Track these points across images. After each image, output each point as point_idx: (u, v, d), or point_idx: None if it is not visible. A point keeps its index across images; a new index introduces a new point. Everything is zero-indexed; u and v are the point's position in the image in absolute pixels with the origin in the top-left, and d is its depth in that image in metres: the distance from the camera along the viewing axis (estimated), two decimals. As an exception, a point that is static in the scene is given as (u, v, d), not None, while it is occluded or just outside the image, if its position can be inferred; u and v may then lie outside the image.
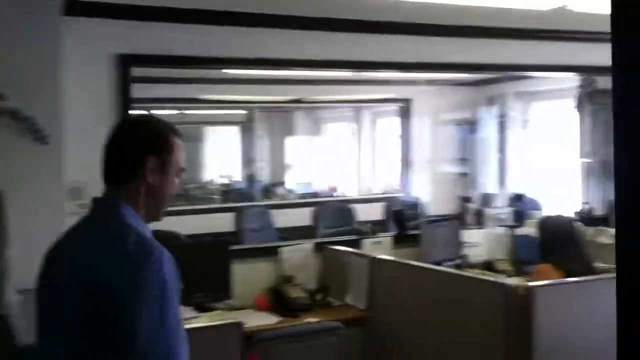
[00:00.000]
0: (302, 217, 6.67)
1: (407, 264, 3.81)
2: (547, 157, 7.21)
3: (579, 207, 5.68)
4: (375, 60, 4.73)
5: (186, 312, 3.70)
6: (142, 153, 1.68)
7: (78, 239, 1.69)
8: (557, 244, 4.13)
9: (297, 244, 4.31)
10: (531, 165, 7.42)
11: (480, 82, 7.68)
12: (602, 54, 5.66)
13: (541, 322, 3.15)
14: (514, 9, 3.96)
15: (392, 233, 4.74)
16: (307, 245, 4.33)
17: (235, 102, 7.64)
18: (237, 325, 3.05)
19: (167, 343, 1.55)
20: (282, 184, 8.23)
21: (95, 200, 1.70)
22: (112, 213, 1.65)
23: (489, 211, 5.14)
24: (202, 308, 3.79)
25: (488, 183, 7.46)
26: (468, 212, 5.20)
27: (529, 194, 6.69)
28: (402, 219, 4.70)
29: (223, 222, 6.07)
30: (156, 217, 1.73)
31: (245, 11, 4.09)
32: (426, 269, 3.75)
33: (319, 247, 4.32)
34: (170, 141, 1.71)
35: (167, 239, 4.83)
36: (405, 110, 7.64)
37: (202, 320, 3.48)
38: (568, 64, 5.23)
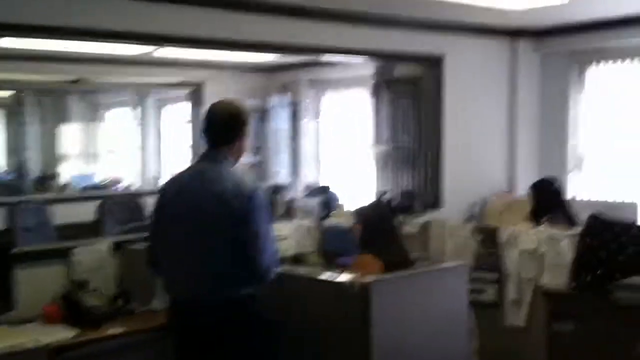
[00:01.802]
0: (83, 212, 5.98)
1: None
2: (340, 146, 7.20)
3: (374, 196, 5.66)
4: (167, 34, 4.15)
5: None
6: (240, 127, 2.89)
7: (205, 177, 2.79)
8: (374, 233, 3.99)
9: (90, 244, 3.73)
10: (325, 154, 7.37)
11: (273, 68, 7.47)
12: (402, 40, 5.56)
13: (377, 317, 3.05)
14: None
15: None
16: (103, 245, 3.76)
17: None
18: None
19: (273, 236, 2.85)
20: (55, 176, 7.35)
21: (206, 154, 2.87)
22: (220, 162, 2.82)
23: (297, 203, 4.90)
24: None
25: (282, 173, 7.27)
26: (277, 204, 4.92)
27: (324, 183, 6.60)
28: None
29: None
30: (236, 164, 2.88)
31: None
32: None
33: (117, 247, 3.78)
34: (249, 118, 2.93)
35: None
36: (196, 96, 7.18)
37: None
38: (372, 48, 5.14)
